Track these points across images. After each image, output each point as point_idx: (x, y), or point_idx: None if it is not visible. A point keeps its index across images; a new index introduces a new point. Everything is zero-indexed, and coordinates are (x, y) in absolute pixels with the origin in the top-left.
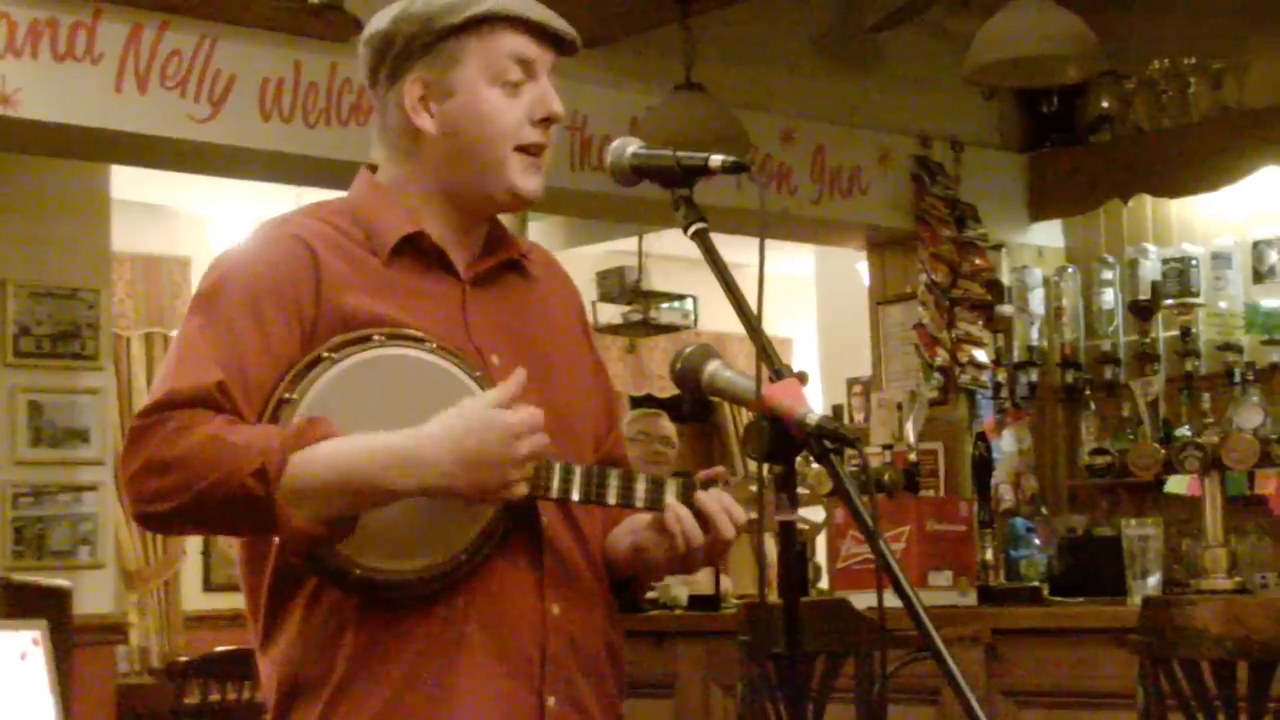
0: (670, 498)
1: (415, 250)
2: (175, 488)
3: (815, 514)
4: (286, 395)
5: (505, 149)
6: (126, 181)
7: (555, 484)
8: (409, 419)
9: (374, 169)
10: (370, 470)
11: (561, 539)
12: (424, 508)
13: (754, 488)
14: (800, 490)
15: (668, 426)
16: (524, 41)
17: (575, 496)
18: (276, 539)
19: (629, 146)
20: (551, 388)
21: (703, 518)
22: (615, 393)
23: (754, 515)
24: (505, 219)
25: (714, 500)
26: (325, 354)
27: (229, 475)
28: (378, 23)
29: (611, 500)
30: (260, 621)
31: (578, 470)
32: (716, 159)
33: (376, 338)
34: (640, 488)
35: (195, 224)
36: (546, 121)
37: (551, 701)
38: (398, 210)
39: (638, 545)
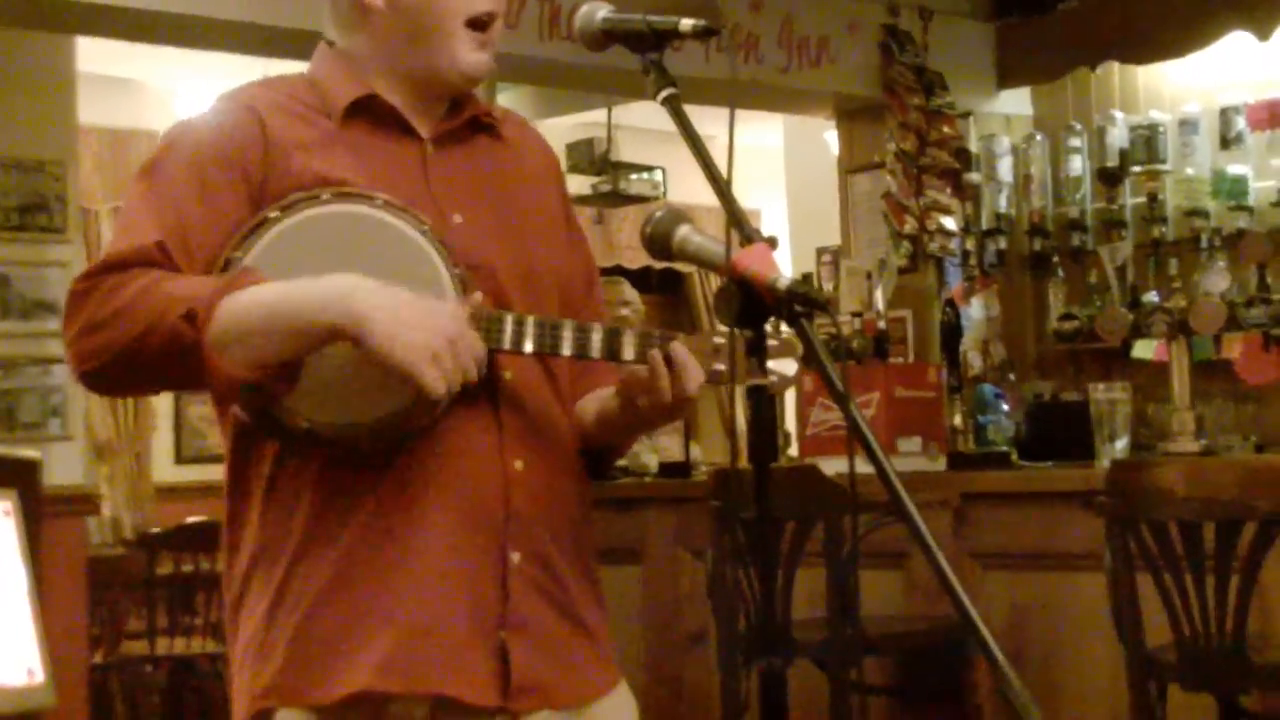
0: (629, 350)
1: (370, 113)
2: (109, 341)
3: (787, 366)
4: (233, 254)
5: (454, 23)
6: (92, 54)
7: (507, 335)
8: (353, 272)
9: (331, 45)
10: (300, 304)
11: (529, 395)
12: (369, 364)
13: (717, 339)
14: (771, 342)
15: (629, 291)
16: None
17: (528, 348)
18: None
19: (599, 11)
20: (517, 244)
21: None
22: (594, 262)
23: (722, 367)
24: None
25: (677, 351)
26: (272, 214)
27: (158, 321)
28: None
29: (567, 350)
30: (226, 494)
31: (530, 320)
32: (687, 22)
33: (324, 195)
34: (596, 338)
35: (162, 97)
36: None
37: (516, 557)
38: (352, 77)
39: (603, 412)
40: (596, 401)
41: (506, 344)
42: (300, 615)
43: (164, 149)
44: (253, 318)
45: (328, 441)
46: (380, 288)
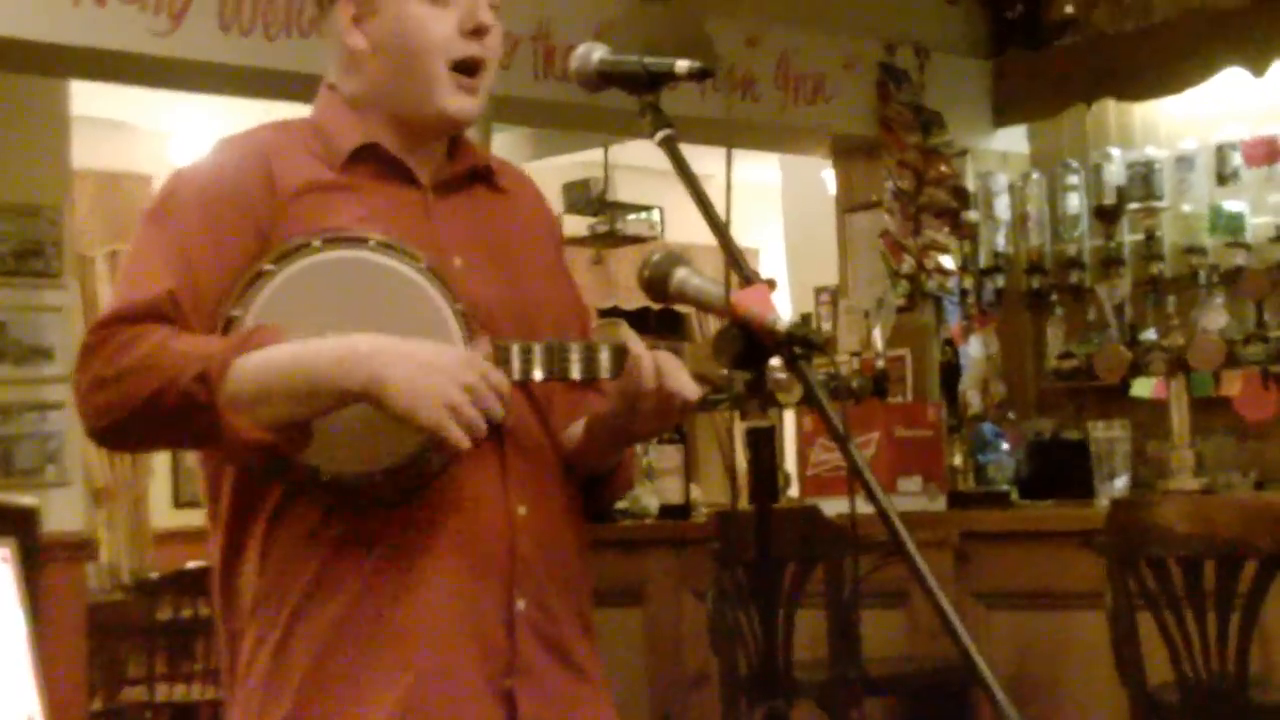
0: None
1: (373, 161)
2: (120, 400)
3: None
4: (233, 312)
5: (436, 65)
6: (86, 97)
7: (515, 364)
8: (357, 320)
9: (333, 86)
10: (315, 367)
11: (526, 436)
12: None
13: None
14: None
15: (627, 333)
16: None
17: (538, 375)
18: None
19: (595, 52)
20: (515, 288)
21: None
22: (589, 309)
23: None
24: (470, 131)
25: (659, 354)
26: (267, 266)
27: (171, 382)
28: None
29: (576, 374)
30: (221, 539)
31: (537, 347)
32: (683, 64)
33: (315, 243)
34: (604, 357)
35: (156, 140)
36: (477, 33)
37: (521, 604)
38: (355, 122)
39: (591, 421)
40: (585, 416)
41: (516, 375)
42: (309, 660)
43: (172, 192)
44: (266, 379)
45: (350, 488)
46: (393, 344)
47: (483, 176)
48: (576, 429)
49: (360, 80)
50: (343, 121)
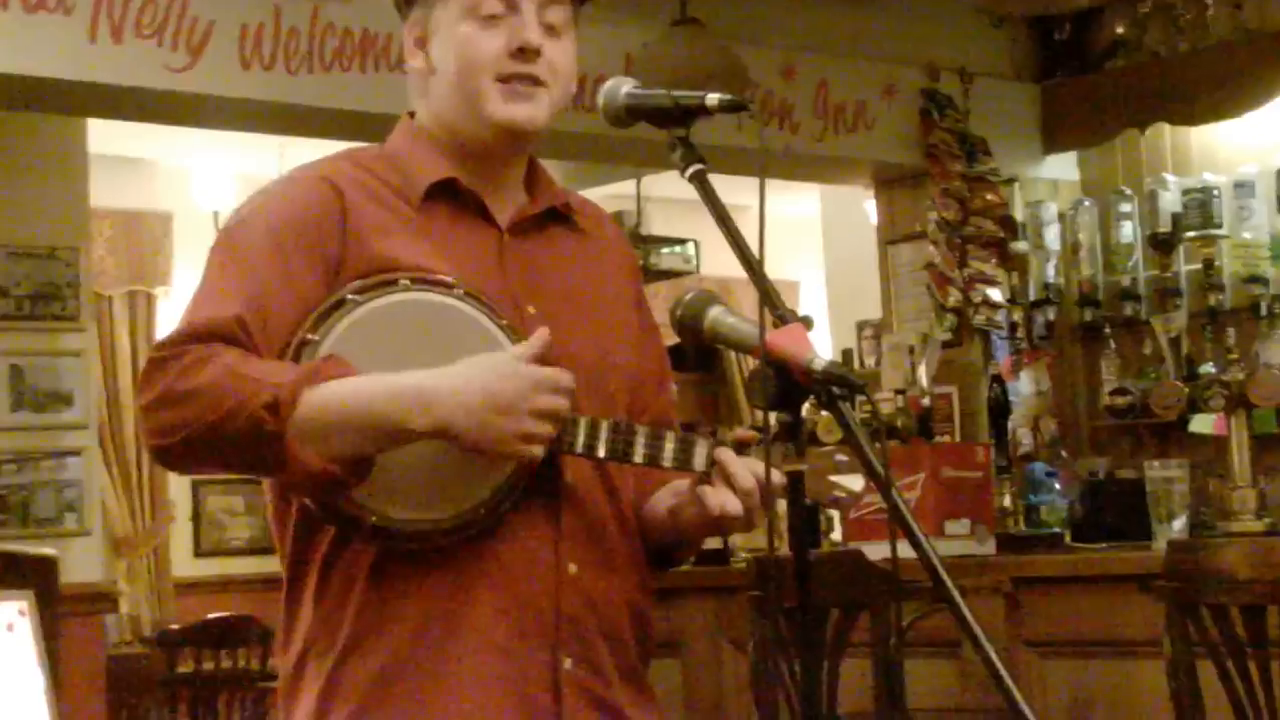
0: (700, 459)
1: (450, 197)
2: (187, 420)
3: (855, 482)
4: (309, 336)
5: (483, 80)
6: (104, 135)
7: (580, 439)
8: (432, 364)
9: (413, 114)
10: (385, 407)
11: (586, 496)
12: (443, 458)
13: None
14: (840, 458)
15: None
16: None
17: (600, 453)
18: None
19: (623, 86)
20: (585, 341)
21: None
22: (667, 371)
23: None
24: None
25: (726, 457)
26: (349, 296)
27: (240, 407)
28: None
29: (638, 459)
30: (285, 577)
31: (604, 425)
32: (713, 98)
33: (403, 281)
34: (669, 446)
35: (177, 177)
36: (523, 53)
37: (568, 663)
38: (432, 155)
39: (675, 509)
40: (672, 497)
41: (579, 448)
42: (349, 710)
43: (242, 220)
44: (337, 412)
45: (395, 535)
46: (456, 381)
47: (561, 216)
48: (660, 505)
49: (426, 103)
50: (421, 154)
